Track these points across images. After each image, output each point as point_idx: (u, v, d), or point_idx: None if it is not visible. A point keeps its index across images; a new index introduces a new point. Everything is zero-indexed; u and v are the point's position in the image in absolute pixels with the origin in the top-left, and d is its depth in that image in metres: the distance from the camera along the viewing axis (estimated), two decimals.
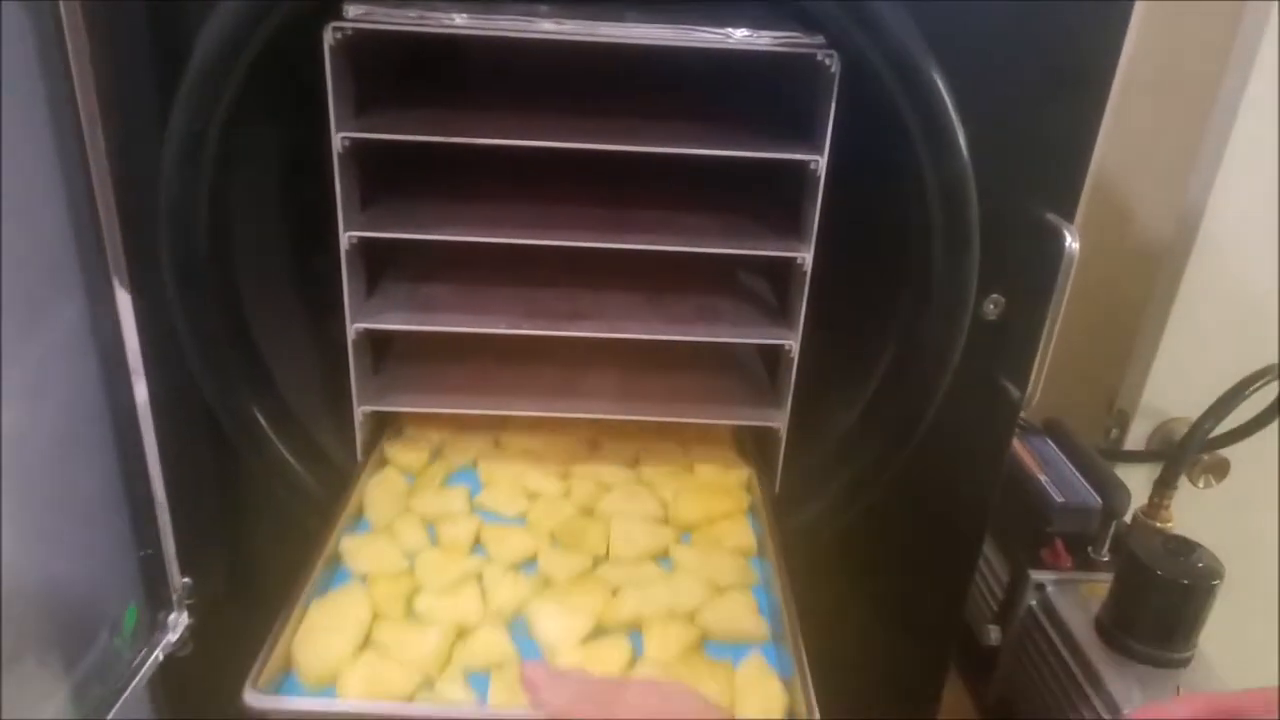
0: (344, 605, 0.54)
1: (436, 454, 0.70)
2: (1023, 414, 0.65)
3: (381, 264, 0.69)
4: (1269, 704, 0.51)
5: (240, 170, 0.57)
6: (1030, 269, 0.59)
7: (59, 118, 0.55)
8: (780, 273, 0.66)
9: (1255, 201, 1.02)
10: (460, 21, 0.54)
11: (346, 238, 0.59)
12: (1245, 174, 1.01)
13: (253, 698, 0.49)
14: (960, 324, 0.58)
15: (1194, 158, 1.04)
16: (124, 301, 0.58)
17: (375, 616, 0.54)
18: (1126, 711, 0.81)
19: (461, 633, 0.53)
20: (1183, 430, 1.09)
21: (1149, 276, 1.13)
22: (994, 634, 0.97)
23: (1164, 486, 0.99)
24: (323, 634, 0.51)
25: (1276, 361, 0.95)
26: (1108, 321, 1.18)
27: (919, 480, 0.66)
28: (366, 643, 0.52)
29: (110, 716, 0.64)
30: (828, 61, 0.55)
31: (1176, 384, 1.11)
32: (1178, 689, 0.83)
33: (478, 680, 0.51)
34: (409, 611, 0.55)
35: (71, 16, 0.52)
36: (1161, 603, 0.84)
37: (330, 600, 0.54)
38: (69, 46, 0.52)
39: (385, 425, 0.70)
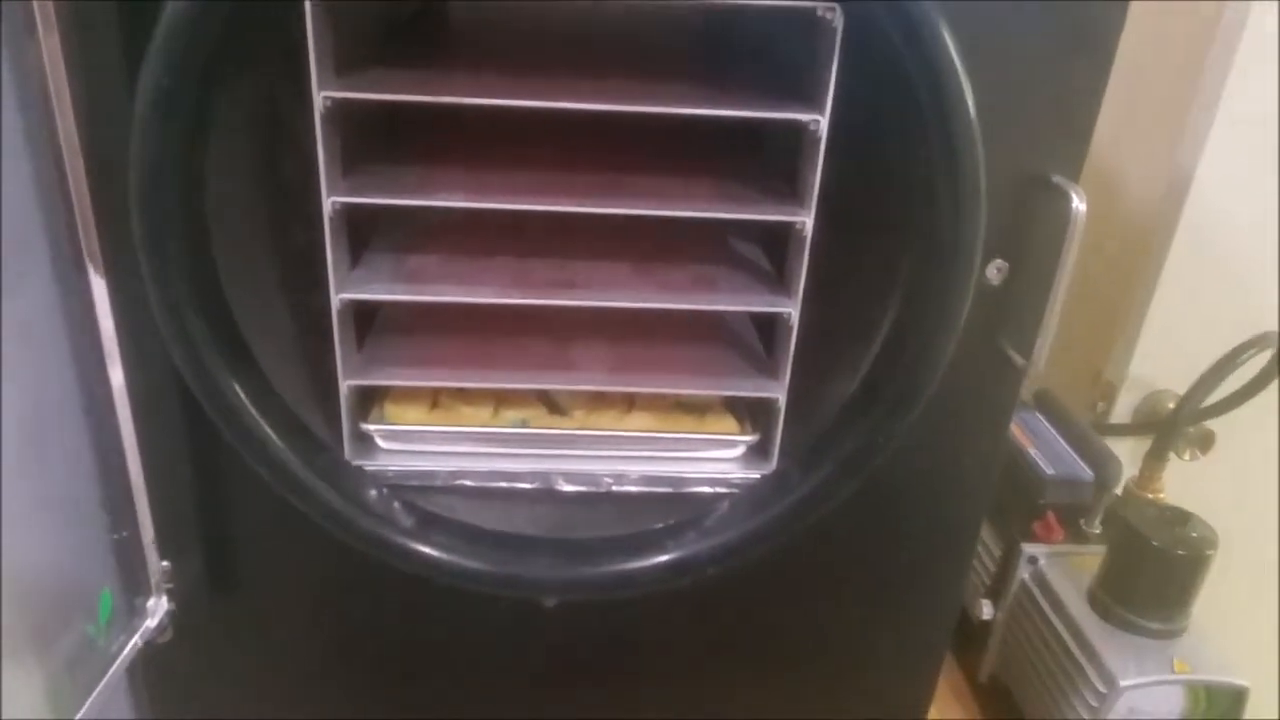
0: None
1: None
2: (1026, 381, 0.63)
3: (364, 234, 0.66)
4: None
5: (214, 133, 0.54)
6: (1035, 233, 0.58)
7: (23, 84, 0.52)
8: (777, 238, 0.64)
9: (1244, 169, 1.02)
10: None
11: (330, 203, 0.56)
12: (1234, 141, 1.01)
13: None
14: (965, 289, 0.56)
15: (1182, 125, 1.04)
16: (97, 282, 0.55)
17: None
18: (1122, 683, 0.81)
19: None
20: (1170, 402, 1.10)
21: (1135, 247, 1.13)
22: (986, 608, 0.97)
23: (1155, 458, 0.99)
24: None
25: (1267, 331, 0.95)
26: (1093, 293, 1.18)
27: (920, 453, 0.64)
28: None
29: (87, 705, 0.62)
30: (829, 16, 0.53)
31: (1164, 356, 1.11)
32: (1173, 661, 0.83)
33: None
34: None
35: None
36: (1157, 573, 0.84)
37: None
38: (35, 8, 0.49)
39: (368, 402, 0.68)
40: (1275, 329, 0.97)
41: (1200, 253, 1.06)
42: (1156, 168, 1.09)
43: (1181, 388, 1.03)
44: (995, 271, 0.60)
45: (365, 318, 0.68)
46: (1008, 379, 0.63)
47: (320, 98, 0.53)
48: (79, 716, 0.61)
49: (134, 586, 0.65)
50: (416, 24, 0.75)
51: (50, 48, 0.51)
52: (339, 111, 0.55)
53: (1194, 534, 0.82)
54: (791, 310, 0.61)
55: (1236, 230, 1.06)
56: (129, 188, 0.52)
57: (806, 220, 0.58)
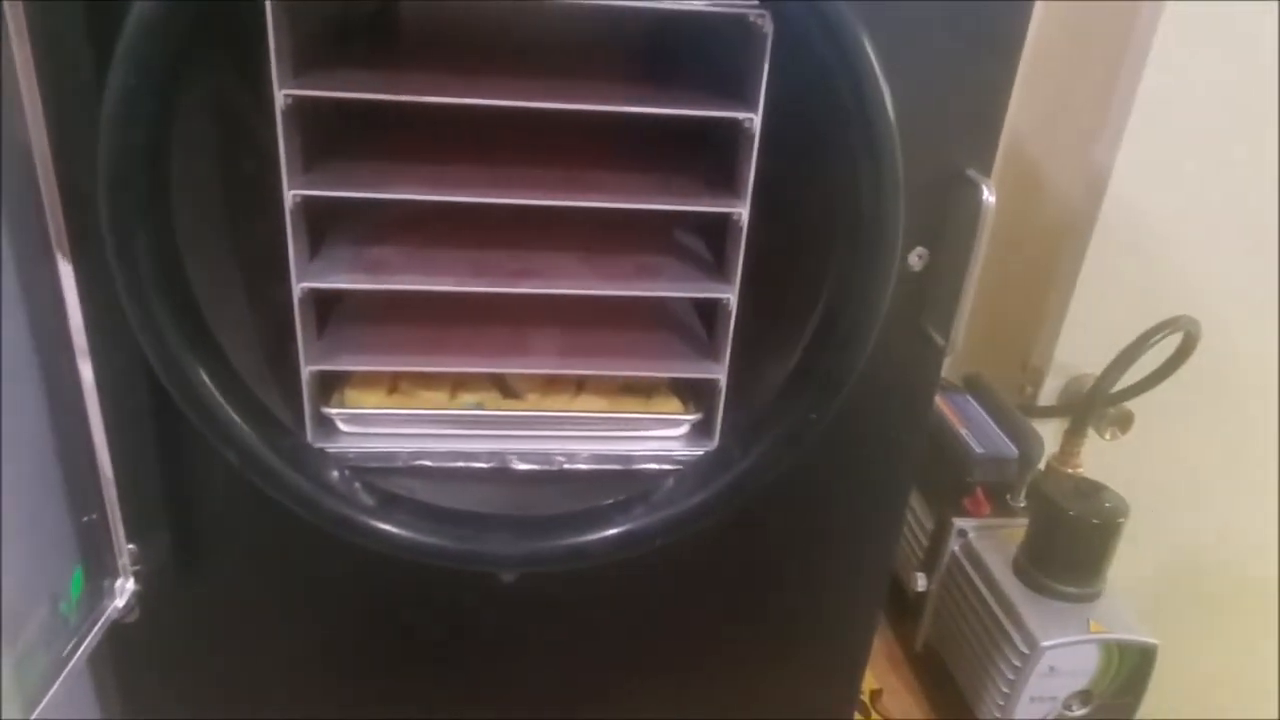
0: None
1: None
2: (947, 360, 0.68)
3: (323, 228, 0.69)
4: None
5: (179, 130, 0.57)
6: (951, 223, 0.63)
7: None
8: (717, 229, 0.68)
9: (1159, 163, 1.09)
10: None
11: (291, 196, 0.59)
12: (1149, 136, 1.07)
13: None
14: (888, 276, 0.61)
15: (1101, 121, 1.10)
16: (64, 270, 0.57)
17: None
18: (1043, 644, 0.86)
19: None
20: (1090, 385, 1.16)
21: (1058, 239, 1.19)
22: (920, 581, 1.02)
23: (1074, 435, 1.06)
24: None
25: (1176, 315, 1.01)
26: (1020, 283, 1.25)
27: (852, 428, 0.69)
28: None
29: (54, 688, 0.63)
30: (760, 22, 0.57)
31: (1086, 341, 1.18)
32: (1089, 622, 0.89)
33: None
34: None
35: None
36: (1073, 540, 0.90)
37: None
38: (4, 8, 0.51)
39: (330, 386, 0.70)
40: (1187, 314, 1.04)
41: (1119, 244, 1.13)
42: (1077, 165, 1.15)
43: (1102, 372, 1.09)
44: (917, 259, 0.64)
45: (326, 306, 0.71)
46: (930, 358, 0.68)
47: (280, 95, 0.56)
48: (46, 698, 0.63)
49: (100, 569, 0.67)
50: (372, 25, 0.78)
51: (20, 45, 0.53)
52: (299, 108, 0.58)
53: (1107, 504, 0.88)
54: (730, 296, 0.65)
55: (1153, 222, 1.13)
56: (96, 183, 0.54)
57: (742, 212, 0.62)
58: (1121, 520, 0.87)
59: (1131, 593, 0.91)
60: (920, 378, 0.69)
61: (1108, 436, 1.19)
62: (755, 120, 0.59)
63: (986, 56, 0.60)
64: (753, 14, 0.57)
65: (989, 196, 0.59)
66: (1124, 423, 1.19)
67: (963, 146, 0.62)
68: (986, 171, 0.62)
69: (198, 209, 0.61)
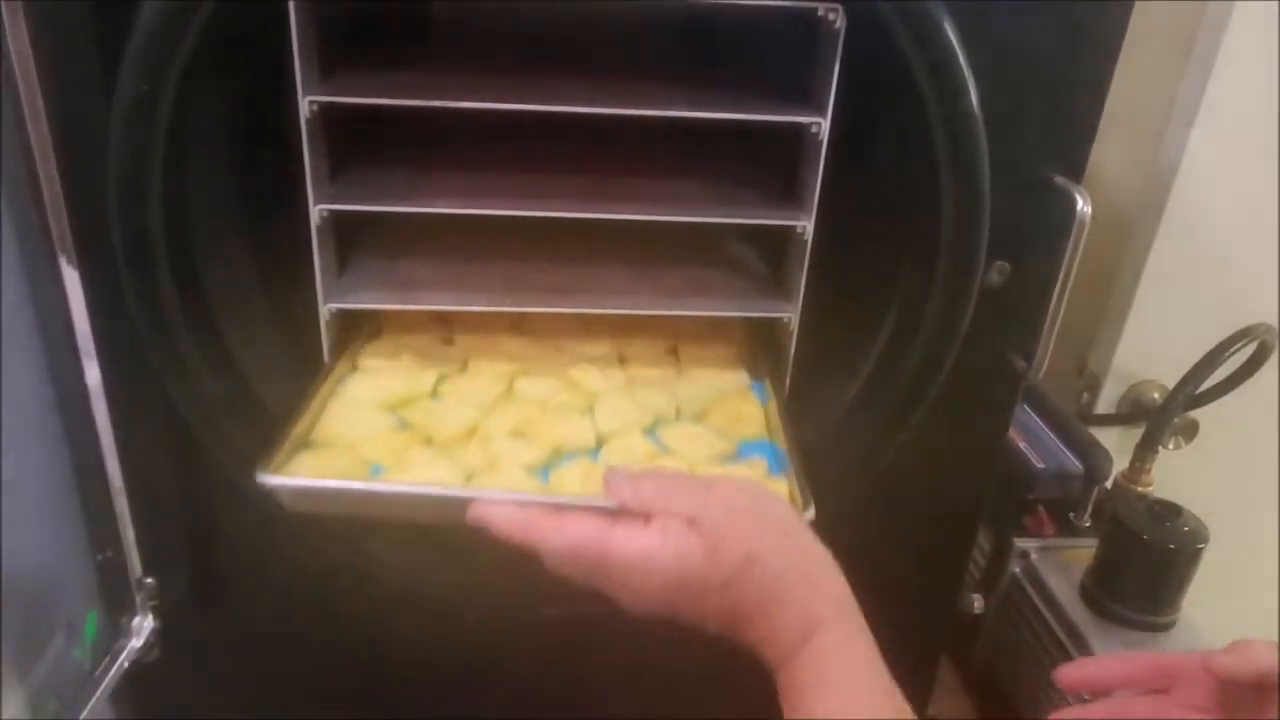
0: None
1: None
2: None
3: (350, 238, 0.64)
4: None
5: (195, 137, 0.52)
6: (1036, 234, 0.57)
7: None
8: (775, 241, 0.63)
9: (1228, 163, 1.02)
10: None
11: (317, 211, 0.54)
12: (1218, 135, 1.01)
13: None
14: (968, 292, 0.55)
15: (1167, 118, 1.04)
16: (71, 279, 0.53)
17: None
18: None
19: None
20: (1153, 393, 1.10)
21: (1119, 240, 1.12)
22: (977, 603, 0.96)
23: (1145, 450, 0.99)
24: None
25: (1258, 323, 0.95)
26: (1077, 285, 1.18)
27: (918, 456, 0.64)
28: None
29: None
30: (832, 17, 0.52)
31: (1148, 347, 1.11)
32: None
33: None
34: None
35: None
36: (1147, 567, 0.84)
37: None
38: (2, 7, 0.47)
39: None
40: (1262, 321, 0.98)
41: (1184, 245, 1.07)
42: (1140, 159, 1.09)
43: (1165, 378, 1.03)
44: (997, 274, 0.59)
45: (353, 320, 0.66)
46: (1008, 380, 0.63)
47: (305, 102, 0.51)
48: None
49: (118, 606, 0.63)
50: (400, 19, 0.73)
51: (19, 45, 0.48)
52: (324, 115, 0.54)
53: (1185, 528, 0.82)
54: (792, 315, 0.60)
55: (1220, 223, 1.06)
56: (107, 193, 0.50)
57: (807, 224, 0.57)
58: (1201, 546, 0.81)
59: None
60: (995, 403, 0.64)
61: (1171, 446, 1.13)
62: (824, 125, 0.54)
63: (1082, 56, 0.54)
64: (823, 7, 0.51)
65: (1084, 206, 0.54)
66: (1188, 432, 1.13)
67: (1053, 152, 0.56)
68: (1077, 179, 0.56)
69: (217, 219, 0.56)
